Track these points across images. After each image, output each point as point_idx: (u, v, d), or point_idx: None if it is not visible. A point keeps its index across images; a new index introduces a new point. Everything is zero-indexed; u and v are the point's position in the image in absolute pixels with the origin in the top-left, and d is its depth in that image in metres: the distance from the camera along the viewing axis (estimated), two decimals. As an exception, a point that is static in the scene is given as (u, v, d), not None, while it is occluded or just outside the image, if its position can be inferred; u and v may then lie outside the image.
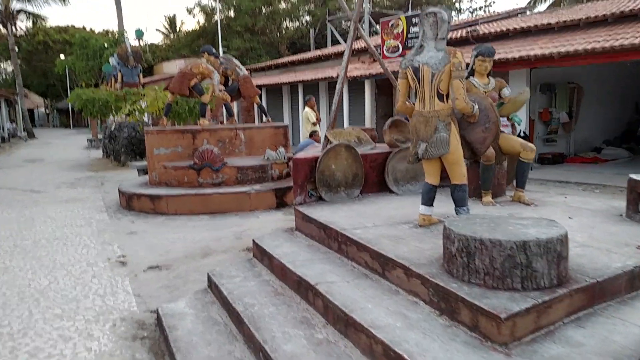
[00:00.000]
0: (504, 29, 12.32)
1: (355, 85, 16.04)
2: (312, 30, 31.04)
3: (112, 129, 16.44)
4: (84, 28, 48.74)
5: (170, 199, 8.33)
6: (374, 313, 2.87)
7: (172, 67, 35.08)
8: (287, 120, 20.25)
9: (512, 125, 5.05)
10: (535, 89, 12.55)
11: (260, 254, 4.49)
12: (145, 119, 15.17)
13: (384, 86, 15.92)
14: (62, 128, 54.18)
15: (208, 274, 4.51)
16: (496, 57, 11.33)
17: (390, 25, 14.01)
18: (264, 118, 10.68)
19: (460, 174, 3.82)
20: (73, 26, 49.08)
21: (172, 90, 9.46)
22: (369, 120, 15.03)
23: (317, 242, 4.30)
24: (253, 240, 4.74)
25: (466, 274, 2.76)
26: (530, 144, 4.63)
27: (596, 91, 13.64)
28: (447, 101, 3.74)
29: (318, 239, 4.29)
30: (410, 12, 14.55)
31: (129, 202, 8.77)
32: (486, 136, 4.01)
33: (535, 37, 11.75)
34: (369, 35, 28.40)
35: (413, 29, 13.41)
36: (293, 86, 19.54)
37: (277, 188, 8.58)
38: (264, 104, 20.50)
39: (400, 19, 13.91)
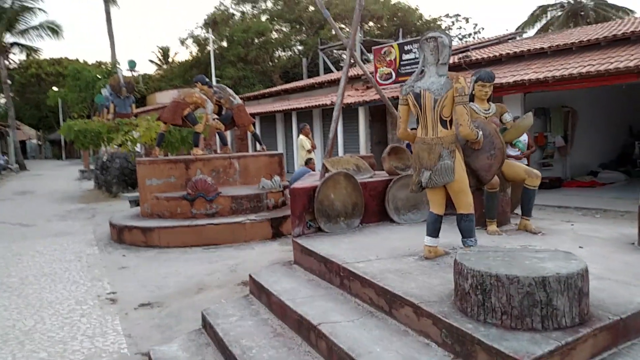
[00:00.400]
0: (497, 54, 12.36)
1: (349, 112, 15.98)
2: (304, 59, 31.22)
3: (104, 159, 16.25)
4: (77, 60, 48.94)
5: (163, 231, 8.10)
6: (382, 357, 2.65)
7: (165, 97, 35.07)
8: (281, 149, 20.14)
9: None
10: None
11: (257, 290, 4.27)
12: (138, 149, 14.97)
13: (378, 113, 15.89)
14: (54, 159, 53.87)
15: (202, 313, 4.27)
16: (490, 82, 11.39)
17: (382, 52, 14.03)
18: (258, 146, 10.53)
19: (466, 203, 3.65)
20: (66, 58, 49.17)
21: (164, 120, 9.32)
22: (363, 148, 14.93)
23: (317, 277, 4.09)
24: (250, 276, 4.53)
25: (481, 313, 2.56)
26: (535, 170, 4.49)
27: (590, 114, 13.63)
28: (450, 127, 3.60)
29: (319, 273, 4.09)
30: (401, 40, 14.57)
31: (120, 235, 8.53)
32: (492, 163, 3.86)
33: (528, 61, 11.77)
34: (362, 64, 28.66)
35: (405, 56, 13.42)
36: (287, 114, 19.50)
37: (272, 218, 8.38)
38: (257, 132, 20.44)
39: (392, 46, 13.95)
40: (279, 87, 22.18)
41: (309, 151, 11.32)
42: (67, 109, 36.27)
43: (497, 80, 11.17)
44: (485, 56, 12.55)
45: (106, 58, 41.94)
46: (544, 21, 35.44)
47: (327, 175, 4.85)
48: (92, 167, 23.62)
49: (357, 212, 4.97)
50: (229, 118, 9.99)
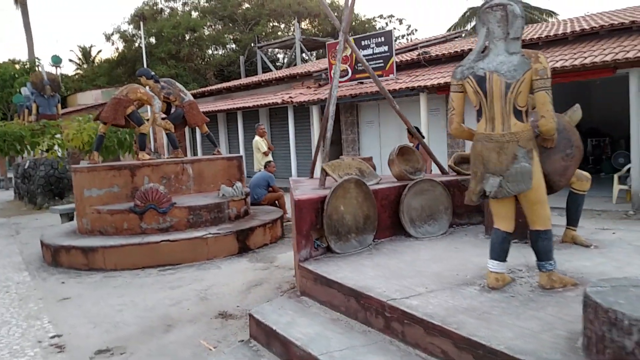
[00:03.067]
0: (459, 49, 11.89)
1: (301, 111, 15.11)
2: (242, 57, 29.96)
3: (26, 167, 14.41)
4: (-13, 58, 44.80)
5: (108, 250, 6.85)
6: None
7: (87, 97, 32.67)
8: (224, 151, 18.91)
9: None
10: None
11: (264, 335, 3.30)
12: (59, 154, 13.23)
13: (330, 112, 15.11)
14: (-37, 167, 49.12)
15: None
16: (449, 79, 10.88)
17: (337, 48, 13.21)
18: (214, 149, 9.41)
19: (544, 216, 2.87)
20: (-26, 56, 44.99)
21: (104, 120, 8.01)
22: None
23: (345, 316, 3.18)
24: (251, 316, 3.53)
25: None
26: (585, 173, 3.80)
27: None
28: (527, 120, 2.81)
29: (346, 310, 3.18)
30: (358, 35, 13.86)
31: (56, 257, 7.17)
32: (568, 165, 3.11)
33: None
34: (301, 62, 27.80)
35: (363, 52, 12.68)
36: (230, 114, 18.31)
37: (238, 230, 7.34)
38: (197, 135, 19.08)
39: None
40: (220, 85, 20.88)
41: (265, 153, 10.36)
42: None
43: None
44: (445, 52, 12.06)
45: (21, 56, 38.54)
46: (473, 22, 36.31)
47: (336, 182, 3.94)
48: (10, 175, 21.29)
49: (369, 226, 4.10)
50: (179, 117, 8.82)
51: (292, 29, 36.50)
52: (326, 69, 15.02)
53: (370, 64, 12.56)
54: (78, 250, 6.96)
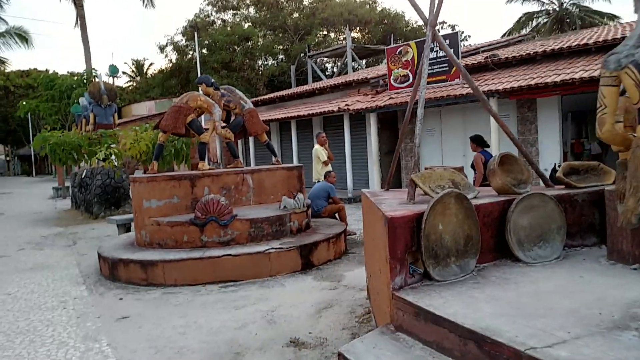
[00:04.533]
0: (531, 52, 11.12)
1: (357, 119, 14.61)
2: (292, 67, 29.80)
3: (83, 176, 14.50)
4: (47, 71, 46.62)
5: (168, 265, 6.52)
6: None
7: (142, 108, 33.34)
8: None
9: None
10: (566, 118, 11.31)
11: (361, 381, 2.77)
12: (116, 163, 13.20)
13: (387, 120, 14.55)
14: (24, 176, 51.24)
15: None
16: (524, 83, 10.10)
17: (397, 52, 12.69)
18: (273, 159, 9.01)
19: None
20: (36, 69, 46.85)
21: (164, 129, 7.75)
22: (375, 159, 13.52)
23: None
24: (340, 355, 3.01)
25: None
26: None
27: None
28: None
29: (461, 357, 2.61)
30: (421, 38, 13.27)
31: (114, 271, 6.91)
32: None
33: (568, 59, 10.54)
34: (352, 71, 27.36)
35: (425, 56, 12.08)
36: (283, 123, 18.02)
37: (302, 245, 6.88)
38: (250, 144, 18.89)
39: (409, 45, 12.62)
40: (273, 94, 20.68)
41: (325, 163, 9.91)
42: (39, 122, 34.14)
43: (530, 81, 9.97)
44: (516, 54, 11.30)
45: (79, 69, 39.79)
46: (529, 28, 35.08)
47: (433, 197, 3.39)
48: (67, 184, 21.74)
49: (471, 248, 3.52)
50: (239, 125, 8.47)
51: (341, 38, 36.21)
52: (384, 75, 14.48)
53: (434, 69, 11.96)
54: (137, 264, 6.66)
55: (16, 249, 9.87)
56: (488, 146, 8.78)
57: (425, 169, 4.25)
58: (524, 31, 35.14)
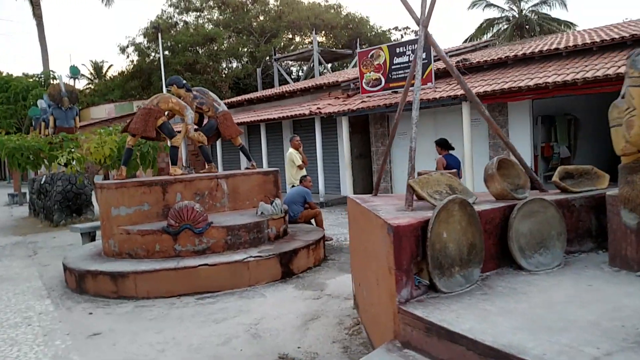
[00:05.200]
0: (503, 56, 11.19)
1: (328, 123, 14.45)
2: (258, 70, 29.45)
3: (42, 182, 13.82)
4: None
5: (140, 276, 6.16)
6: None
7: (101, 111, 32.28)
8: (245, 165, 18.27)
9: None
10: (536, 122, 11.43)
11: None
12: (78, 168, 12.62)
13: (358, 124, 14.46)
14: (-24, 181, 48.86)
15: None
16: (496, 87, 10.14)
17: (369, 56, 12.59)
18: (247, 163, 8.73)
19: None
20: (-12, 71, 44.88)
21: (134, 132, 7.37)
22: (347, 162, 13.37)
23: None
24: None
25: None
26: None
27: (590, 123, 12.76)
28: None
29: (481, 375, 2.44)
30: (392, 42, 13.24)
31: (81, 283, 6.50)
32: None
33: (540, 63, 10.65)
34: (319, 74, 27.22)
35: (397, 59, 12.04)
36: (252, 127, 17.68)
37: (281, 253, 6.64)
38: (218, 147, 18.48)
39: (381, 49, 12.53)
40: (240, 97, 20.31)
41: (299, 167, 9.70)
42: (-9, 126, 32.67)
43: (503, 85, 10.02)
44: (487, 59, 11.36)
45: (33, 71, 38.26)
46: (490, 34, 35.80)
47: (439, 204, 3.22)
48: (24, 190, 20.76)
49: (475, 257, 3.37)
50: (212, 129, 8.16)
51: (307, 42, 36.07)
52: (355, 78, 14.38)
53: (406, 72, 11.91)
54: (106, 275, 6.28)
55: (-29, 260, 9.25)
56: (453, 149, 8.77)
57: (419, 174, 4.10)
58: (484, 37, 35.84)
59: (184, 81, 7.91)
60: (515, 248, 3.56)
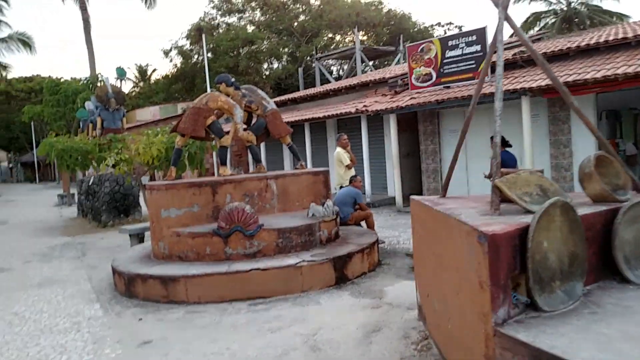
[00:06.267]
0: (564, 47, 10.53)
1: (375, 121, 14.02)
2: (300, 69, 29.25)
3: (90, 183, 13.95)
4: (50, 77, 46.16)
5: (191, 280, 5.93)
6: None
7: (146, 114, 32.79)
8: (287, 166, 18.06)
9: None
10: (600, 117, 10.71)
11: None
12: (126, 169, 12.65)
13: (406, 121, 13.96)
14: (27, 183, 50.67)
15: None
16: (559, 80, 9.51)
17: (419, 50, 12.11)
18: (296, 162, 8.43)
19: None
20: (39, 75, 46.40)
21: (183, 132, 7.18)
22: (395, 162, 12.92)
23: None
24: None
25: None
26: None
27: (657, 117, 11.91)
28: None
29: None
30: (445, 35, 12.71)
31: (130, 287, 6.32)
32: None
33: (606, 54, 9.94)
34: (361, 73, 26.80)
35: (450, 53, 11.50)
36: (296, 126, 17.43)
37: (335, 257, 6.29)
38: (261, 147, 18.30)
39: (432, 42, 12.04)
40: (284, 97, 20.10)
41: (347, 167, 9.31)
42: (43, 127, 33.62)
43: (567, 78, 9.38)
44: (547, 51, 10.70)
45: (80, 75, 39.28)
46: (537, 28, 34.55)
47: (540, 209, 2.80)
48: (73, 191, 21.17)
49: (577, 269, 2.93)
50: (261, 127, 7.89)
51: (347, 40, 35.68)
52: (402, 74, 13.91)
53: (459, 66, 11.39)
54: (156, 279, 6.08)
55: (22, 261, 9.30)
56: (510, 146, 8.23)
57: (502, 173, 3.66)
58: (531, 32, 34.61)
59: (233, 79, 7.67)
60: (621, 258, 3.10)
